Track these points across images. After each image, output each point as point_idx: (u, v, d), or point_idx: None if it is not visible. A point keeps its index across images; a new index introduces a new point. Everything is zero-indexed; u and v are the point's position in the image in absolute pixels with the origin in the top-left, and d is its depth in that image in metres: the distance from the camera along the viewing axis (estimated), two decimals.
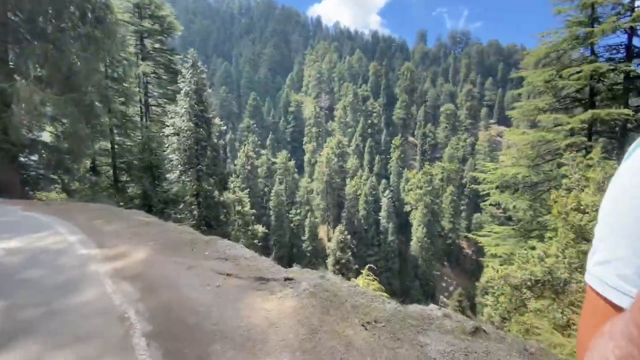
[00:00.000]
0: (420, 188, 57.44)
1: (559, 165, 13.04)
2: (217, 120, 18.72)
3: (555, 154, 12.41)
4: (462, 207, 66.79)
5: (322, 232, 59.40)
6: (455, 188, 65.84)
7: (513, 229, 14.06)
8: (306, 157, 75.72)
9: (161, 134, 17.64)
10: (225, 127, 24.81)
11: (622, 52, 11.31)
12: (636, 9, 10.44)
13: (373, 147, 75.11)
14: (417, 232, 54.33)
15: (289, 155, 62.95)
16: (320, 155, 64.06)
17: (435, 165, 68.05)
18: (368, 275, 9.14)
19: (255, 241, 29.25)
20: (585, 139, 10.42)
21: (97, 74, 13.22)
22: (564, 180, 8.26)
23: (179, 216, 12.29)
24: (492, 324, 8.81)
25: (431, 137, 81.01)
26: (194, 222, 14.45)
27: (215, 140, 17.90)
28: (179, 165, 16.23)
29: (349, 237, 32.20)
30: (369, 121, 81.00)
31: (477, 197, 72.82)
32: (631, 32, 10.89)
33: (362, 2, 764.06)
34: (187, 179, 15.96)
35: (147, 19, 20.50)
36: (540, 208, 11.95)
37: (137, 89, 19.93)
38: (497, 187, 13.91)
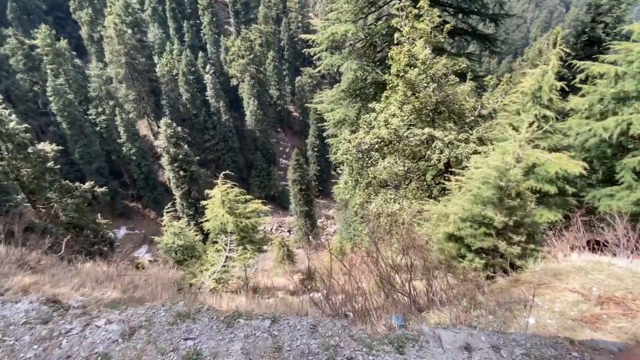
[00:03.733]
0: (242, 57, 53.35)
1: (379, 18, 13.25)
2: None
3: (378, 6, 12.29)
4: (284, 72, 67.80)
5: (143, 127, 50.31)
6: (275, 52, 64.54)
7: (343, 90, 14.63)
8: (83, 32, 54.81)
9: None
10: None
11: None
12: None
13: (175, 10, 60.76)
14: (249, 105, 53.33)
15: (54, 32, 43.66)
16: (104, 27, 47.38)
17: (252, 29, 62.64)
18: (224, 183, 7.81)
19: (50, 164, 21.69)
20: None
21: None
22: (396, 35, 8.14)
23: None
24: (347, 187, 9.56)
25: None
26: None
27: None
28: None
29: (179, 128, 28.02)
30: None
31: (295, 60, 74.77)
32: None
33: None
34: None
35: None
36: (366, 67, 12.37)
37: None
38: (327, 49, 13.37)
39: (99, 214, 24.79)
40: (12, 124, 19.84)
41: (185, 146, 28.52)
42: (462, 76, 9.33)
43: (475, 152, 7.01)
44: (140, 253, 38.57)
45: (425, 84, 7.60)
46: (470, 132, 7.69)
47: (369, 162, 8.36)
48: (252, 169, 52.32)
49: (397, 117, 7.53)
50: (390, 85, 8.12)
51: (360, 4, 12.52)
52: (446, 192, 8.41)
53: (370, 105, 8.82)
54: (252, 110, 52.89)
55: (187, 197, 29.43)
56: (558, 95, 6.59)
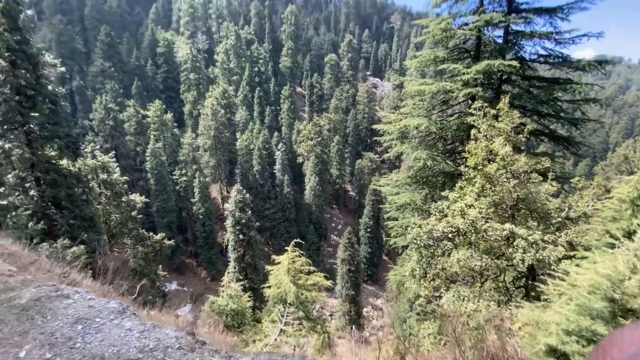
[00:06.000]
0: (311, 139, 58.47)
1: (452, 114, 14.00)
2: (49, 58, 12.94)
3: (450, 105, 13.14)
4: (346, 155, 71.83)
5: (215, 191, 55.37)
6: (341, 137, 69.77)
7: (409, 177, 14.92)
8: (186, 109, 66.55)
9: None
10: (65, 70, 18.13)
11: (504, 5, 12.11)
12: None
13: (262, 97, 71.23)
14: (310, 181, 56.23)
15: (164, 106, 53.76)
16: (203, 106, 56.96)
17: (322, 116, 69.78)
18: (294, 251, 8.03)
19: (134, 213, 24.49)
20: (480, 88, 11.03)
21: None
22: (473, 131, 8.47)
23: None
24: (414, 276, 9.06)
25: (318, 88, 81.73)
26: (31, 209, 9.92)
27: (52, 88, 12.57)
28: None
29: (247, 195, 30.34)
30: (256, 69, 75.47)
31: (358, 145, 79.55)
32: None
33: None
34: (9, 146, 10.63)
35: None
36: (436, 157, 12.72)
37: None
38: (397, 139, 14.19)
39: (160, 265, 26.29)
40: (115, 175, 23.52)
41: (249, 212, 30.32)
42: (543, 175, 9.02)
43: (566, 257, 6.34)
44: (184, 311, 38.72)
45: (505, 179, 7.49)
46: (557, 234, 7.09)
47: (440, 251, 7.99)
48: (303, 241, 52.57)
49: (475, 208, 7.35)
50: (466, 176, 8.14)
51: (434, 102, 13.53)
52: (531, 297, 7.45)
53: (442, 193, 8.81)
54: (312, 185, 55.57)
55: (240, 261, 30.09)
56: None
